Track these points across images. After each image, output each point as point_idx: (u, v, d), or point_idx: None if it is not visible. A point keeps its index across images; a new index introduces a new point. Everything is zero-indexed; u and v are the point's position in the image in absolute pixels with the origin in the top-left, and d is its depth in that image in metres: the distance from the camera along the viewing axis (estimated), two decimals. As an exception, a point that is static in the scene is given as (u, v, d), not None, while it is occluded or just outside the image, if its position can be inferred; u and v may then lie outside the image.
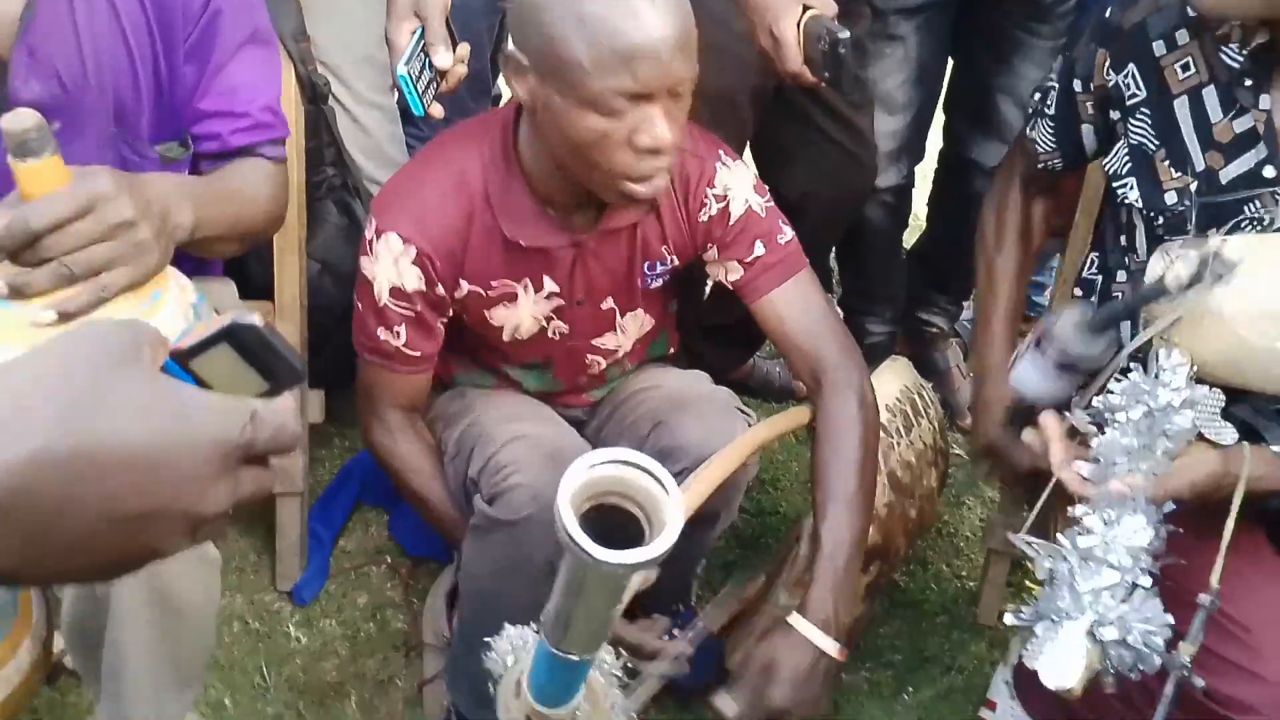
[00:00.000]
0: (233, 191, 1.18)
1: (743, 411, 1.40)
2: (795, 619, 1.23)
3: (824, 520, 1.28)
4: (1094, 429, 1.14)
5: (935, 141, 2.07)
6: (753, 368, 2.12)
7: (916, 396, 1.53)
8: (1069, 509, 1.13)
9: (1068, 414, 1.17)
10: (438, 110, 1.29)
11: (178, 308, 0.94)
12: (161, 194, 0.99)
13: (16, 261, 0.88)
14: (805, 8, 1.28)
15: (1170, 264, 1.12)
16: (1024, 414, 1.30)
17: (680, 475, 1.30)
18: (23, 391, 0.45)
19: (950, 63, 1.90)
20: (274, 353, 0.51)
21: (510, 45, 1.20)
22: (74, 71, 1.10)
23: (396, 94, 1.30)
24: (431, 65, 1.27)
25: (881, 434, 1.43)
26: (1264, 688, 1.12)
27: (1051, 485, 1.15)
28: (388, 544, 1.83)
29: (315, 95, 1.62)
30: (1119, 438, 1.10)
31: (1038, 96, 1.36)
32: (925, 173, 2.08)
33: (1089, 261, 1.42)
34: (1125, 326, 1.27)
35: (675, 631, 1.35)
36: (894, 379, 1.53)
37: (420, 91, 1.25)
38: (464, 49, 1.31)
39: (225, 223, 1.13)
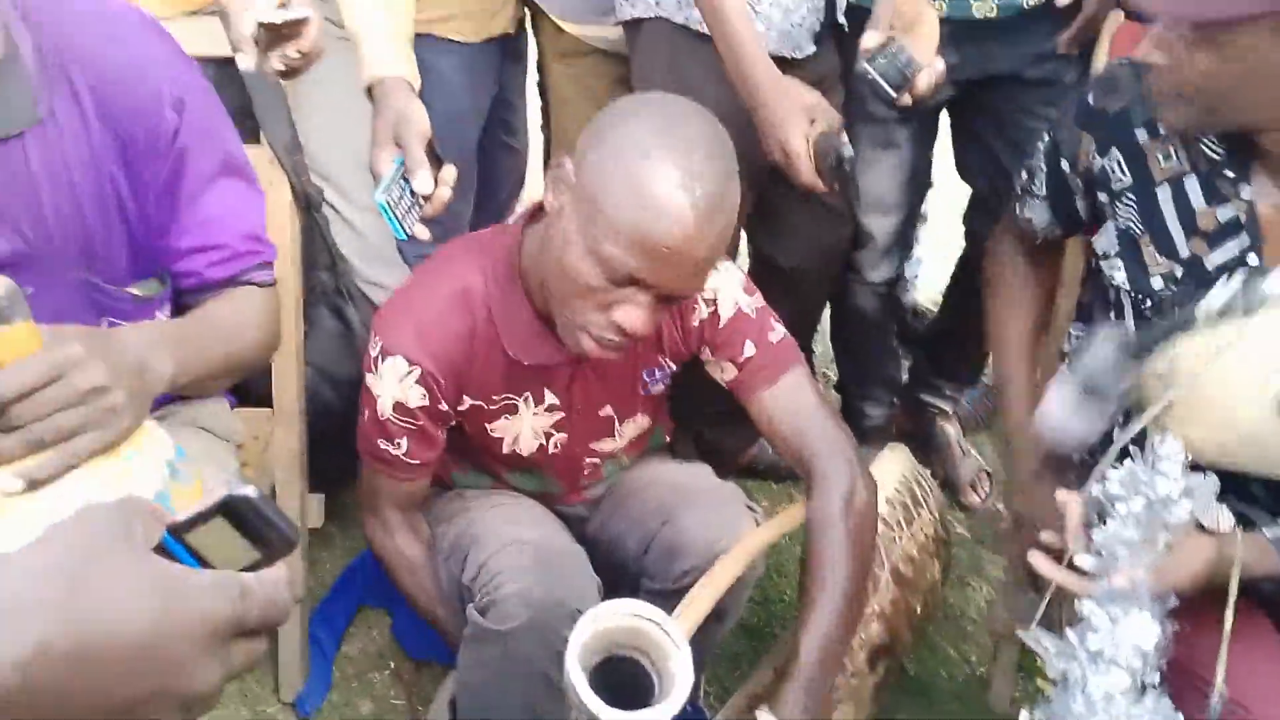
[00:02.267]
0: (218, 328, 1.15)
1: (749, 507, 1.40)
2: (764, 714, 1.23)
3: (804, 620, 1.28)
4: (1095, 524, 1.15)
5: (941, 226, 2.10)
6: (759, 450, 2.13)
7: (915, 485, 1.53)
8: (1075, 603, 1.14)
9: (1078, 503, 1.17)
10: (422, 232, 1.30)
11: (152, 466, 0.93)
12: (137, 349, 0.97)
13: None
14: (812, 121, 1.33)
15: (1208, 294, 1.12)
16: (1053, 466, 1.28)
17: (689, 573, 1.30)
18: (18, 588, 0.46)
19: (973, 176, 1.94)
20: (267, 522, 0.53)
21: (569, 157, 1.19)
22: (37, 223, 1.07)
23: None
24: (414, 190, 1.28)
25: (882, 527, 1.42)
26: None
27: (1054, 585, 1.16)
28: (391, 647, 1.81)
29: (308, 204, 1.65)
30: (1120, 530, 1.12)
31: (1025, 177, 1.38)
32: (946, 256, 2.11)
33: (1070, 336, 1.44)
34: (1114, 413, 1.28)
35: None
36: (892, 469, 1.53)
37: (401, 216, 1.27)
38: (449, 172, 1.32)
39: (212, 362, 1.11)
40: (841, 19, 1.60)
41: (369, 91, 1.35)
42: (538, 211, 1.30)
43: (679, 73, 1.54)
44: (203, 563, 0.52)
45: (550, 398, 1.35)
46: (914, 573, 1.46)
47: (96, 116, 1.07)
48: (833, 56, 1.67)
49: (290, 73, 1.30)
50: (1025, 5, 1.69)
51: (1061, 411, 1.19)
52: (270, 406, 1.65)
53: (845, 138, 1.33)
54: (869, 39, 1.30)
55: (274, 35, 1.25)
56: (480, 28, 1.79)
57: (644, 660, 0.64)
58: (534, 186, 2.77)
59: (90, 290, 1.13)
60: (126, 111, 1.08)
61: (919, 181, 1.90)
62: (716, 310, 1.35)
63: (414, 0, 1.43)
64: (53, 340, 0.88)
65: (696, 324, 1.36)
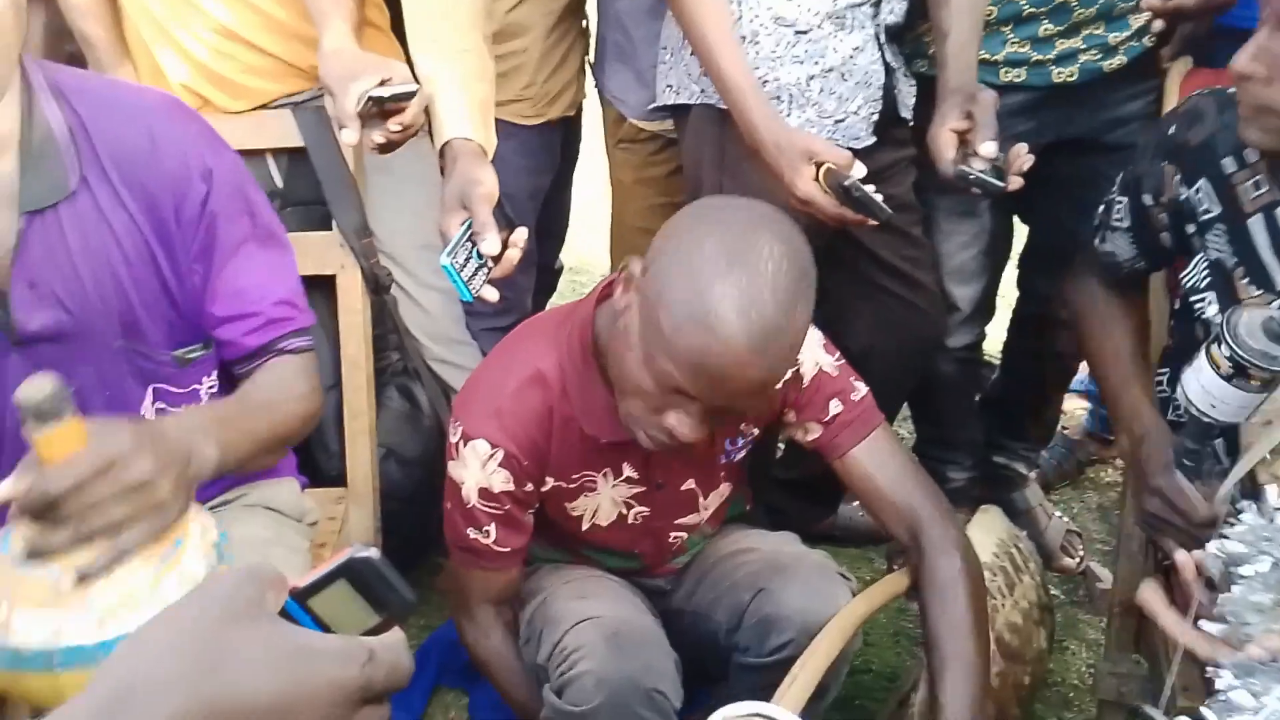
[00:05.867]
0: (259, 406, 1.16)
1: (843, 576, 1.37)
2: None
3: (942, 684, 1.23)
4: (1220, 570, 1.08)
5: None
6: (835, 516, 2.08)
7: (1014, 549, 1.45)
8: (1207, 674, 1.07)
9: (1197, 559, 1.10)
10: (490, 293, 1.28)
11: (199, 553, 0.94)
12: (183, 437, 0.98)
13: (36, 522, 0.87)
14: (818, 164, 1.35)
15: None
16: (1196, 439, 1.20)
17: (785, 646, 1.28)
18: (156, 656, 0.47)
19: (1026, 228, 1.94)
20: (388, 585, 0.53)
21: (639, 260, 1.18)
22: (76, 296, 1.10)
23: None
24: (480, 253, 1.28)
25: None
26: None
27: (1180, 653, 1.09)
28: (468, 728, 1.78)
29: (378, 286, 1.67)
30: (1248, 595, 1.05)
31: (1101, 210, 1.36)
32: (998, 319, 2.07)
33: (1160, 379, 1.39)
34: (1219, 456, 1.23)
35: None
36: (988, 533, 1.45)
37: (467, 279, 1.25)
38: (520, 234, 1.31)
39: (256, 441, 1.12)
40: (906, 113, 1.58)
41: (441, 153, 1.35)
42: (609, 288, 1.28)
43: (727, 160, 1.52)
44: (324, 627, 0.52)
45: (629, 470, 1.34)
46: (1020, 642, 1.38)
47: (126, 190, 1.11)
48: (898, 150, 1.65)
49: (389, 146, 1.31)
50: (1105, 69, 1.66)
51: (1203, 390, 1.13)
52: (342, 486, 1.67)
53: (854, 170, 1.36)
54: (946, 149, 1.37)
55: (379, 110, 1.27)
56: (540, 111, 1.83)
57: None
58: (575, 250, 2.80)
59: (134, 357, 1.16)
60: (154, 184, 1.11)
61: (1000, 248, 1.88)
62: (799, 371, 1.32)
63: (493, 68, 1.43)
64: (100, 434, 0.89)
65: (779, 386, 1.32)
